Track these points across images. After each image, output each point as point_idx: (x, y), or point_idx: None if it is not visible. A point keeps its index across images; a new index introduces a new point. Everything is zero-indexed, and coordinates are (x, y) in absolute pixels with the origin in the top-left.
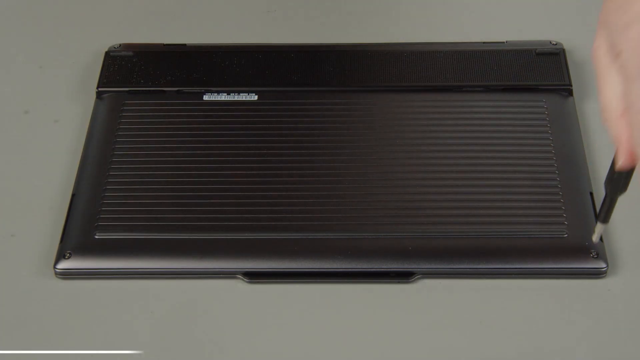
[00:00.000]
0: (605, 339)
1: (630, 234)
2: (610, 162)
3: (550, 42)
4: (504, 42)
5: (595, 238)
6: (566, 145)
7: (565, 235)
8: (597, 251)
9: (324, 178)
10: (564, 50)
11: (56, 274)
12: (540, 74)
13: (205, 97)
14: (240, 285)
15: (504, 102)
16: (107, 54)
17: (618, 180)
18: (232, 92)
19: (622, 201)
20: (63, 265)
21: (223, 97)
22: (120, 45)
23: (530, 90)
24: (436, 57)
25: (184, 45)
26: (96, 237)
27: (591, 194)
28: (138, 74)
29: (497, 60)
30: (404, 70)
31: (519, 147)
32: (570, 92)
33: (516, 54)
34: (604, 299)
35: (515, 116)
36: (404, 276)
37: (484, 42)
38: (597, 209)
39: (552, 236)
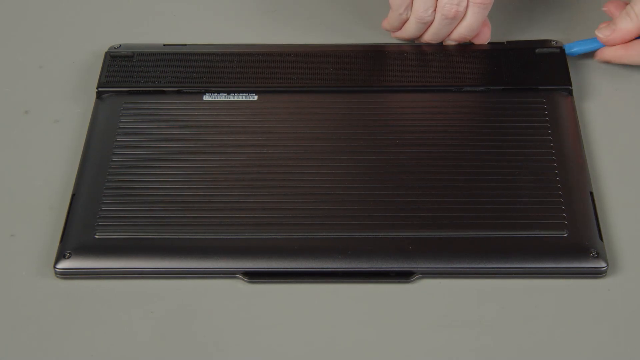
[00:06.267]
0: (605, 339)
1: (630, 234)
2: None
3: (551, 42)
4: (504, 42)
5: None
6: (566, 145)
7: (565, 235)
8: (597, 251)
9: (324, 178)
10: (564, 49)
11: (56, 274)
12: (541, 73)
13: (205, 97)
14: (240, 285)
15: (504, 102)
16: (107, 54)
17: None
18: (232, 92)
19: (622, 201)
20: (63, 265)
21: (223, 97)
22: (120, 45)
23: (531, 90)
24: (436, 57)
25: (184, 45)
26: (96, 237)
27: (591, 193)
28: (138, 74)
29: (497, 60)
30: (404, 70)
31: (519, 147)
32: (570, 92)
33: (516, 54)
34: (604, 299)
35: (515, 116)
36: (404, 276)
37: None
38: (597, 210)
39: (552, 236)
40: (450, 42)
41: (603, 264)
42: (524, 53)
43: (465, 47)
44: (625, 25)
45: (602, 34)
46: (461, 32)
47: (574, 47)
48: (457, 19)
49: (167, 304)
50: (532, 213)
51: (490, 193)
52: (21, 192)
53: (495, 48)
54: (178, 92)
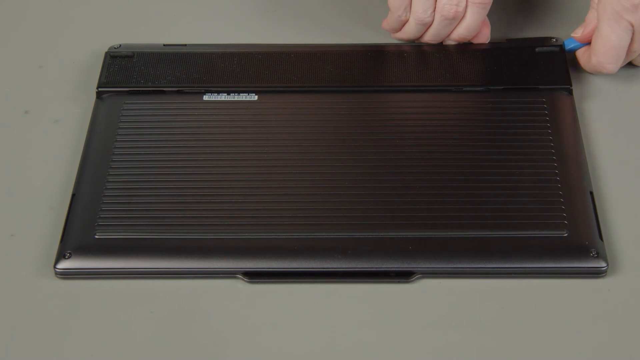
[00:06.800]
0: (605, 339)
1: (630, 234)
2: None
3: (551, 39)
4: (504, 41)
5: None
6: (566, 145)
7: (565, 235)
8: (597, 251)
9: (324, 178)
10: (564, 48)
11: (56, 274)
12: (541, 72)
13: (205, 97)
14: (240, 285)
15: (504, 102)
16: (107, 54)
17: None
18: (232, 92)
19: (622, 201)
20: (63, 265)
21: (223, 97)
22: (120, 45)
23: (531, 89)
24: (436, 57)
25: (184, 45)
26: (96, 237)
27: (591, 193)
28: (138, 74)
29: (497, 59)
30: (404, 70)
31: (519, 146)
32: (570, 91)
33: (516, 53)
34: (604, 299)
35: (515, 116)
36: (404, 276)
37: None
38: (597, 209)
39: (552, 236)
40: (450, 42)
41: (603, 264)
42: (524, 52)
43: (465, 47)
44: (592, 16)
45: (576, 33)
46: (461, 33)
47: (571, 44)
48: (457, 19)
49: (167, 304)
50: (532, 213)
51: (490, 193)
52: (21, 192)
53: (495, 47)
54: (178, 92)
